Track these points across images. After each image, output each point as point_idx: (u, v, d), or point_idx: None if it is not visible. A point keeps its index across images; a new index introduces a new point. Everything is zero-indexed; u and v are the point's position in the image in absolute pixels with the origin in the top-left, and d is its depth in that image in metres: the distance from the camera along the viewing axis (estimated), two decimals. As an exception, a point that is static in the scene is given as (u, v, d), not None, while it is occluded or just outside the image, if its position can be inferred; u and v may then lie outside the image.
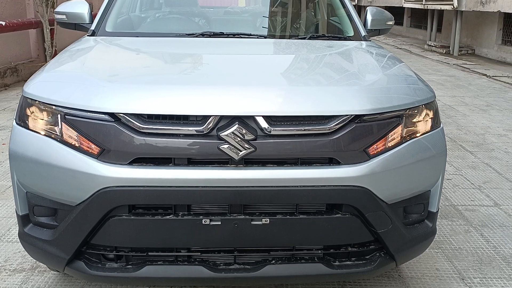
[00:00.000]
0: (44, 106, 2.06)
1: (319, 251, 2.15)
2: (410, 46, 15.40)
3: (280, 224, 2.03)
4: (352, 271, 2.14)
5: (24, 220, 2.20)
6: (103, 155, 1.98)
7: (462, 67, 11.14)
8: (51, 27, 9.01)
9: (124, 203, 1.98)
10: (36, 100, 2.09)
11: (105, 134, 1.97)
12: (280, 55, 2.75)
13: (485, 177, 4.42)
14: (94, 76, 2.16)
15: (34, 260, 2.92)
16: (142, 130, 1.95)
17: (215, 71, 2.31)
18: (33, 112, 2.10)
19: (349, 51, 2.82)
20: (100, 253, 2.11)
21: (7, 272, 2.83)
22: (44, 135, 2.06)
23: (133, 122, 1.95)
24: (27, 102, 2.13)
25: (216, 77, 2.21)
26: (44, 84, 2.17)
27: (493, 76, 9.81)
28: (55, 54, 9.64)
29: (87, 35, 3.02)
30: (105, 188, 1.96)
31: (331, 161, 2.03)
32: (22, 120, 2.14)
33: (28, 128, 2.10)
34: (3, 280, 2.76)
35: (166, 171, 1.97)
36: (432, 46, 14.28)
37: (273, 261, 2.13)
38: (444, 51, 13.62)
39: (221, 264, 2.14)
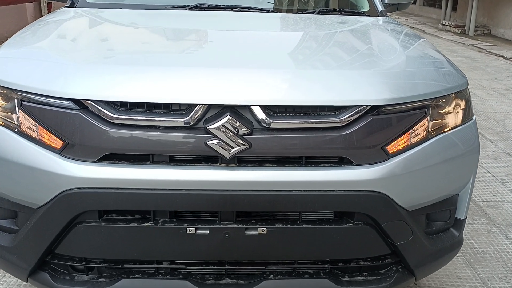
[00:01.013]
0: (0, 89, 1.72)
1: (326, 265, 1.82)
2: (423, 25, 14.82)
3: (280, 234, 1.70)
4: (364, 289, 1.81)
5: (-21, 222, 1.88)
6: (67, 150, 1.64)
7: (478, 48, 10.64)
8: (49, 1, 8.63)
9: (92, 208, 1.65)
10: (-11, 82, 1.74)
11: (69, 125, 1.62)
12: (284, 32, 2.36)
13: (508, 168, 4.05)
14: (60, 54, 1.81)
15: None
16: (113, 121, 1.61)
17: (206, 51, 1.94)
18: (-14, 96, 1.76)
19: (364, 28, 2.43)
20: (67, 264, 1.79)
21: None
22: (0, 124, 1.72)
23: (103, 111, 1.61)
24: (-21, 84, 1.79)
25: (206, 58, 1.84)
26: (1, 62, 1.82)
27: (510, 58, 9.33)
28: (54, 30, 9.30)
29: (65, 6, 2.65)
30: (70, 189, 1.63)
31: (342, 161, 1.69)
32: (-25, 106, 1.80)
33: (-19, 116, 1.77)
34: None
35: (143, 171, 1.63)
36: (447, 25, 13.72)
37: (271, 276, 1.81)
38: (459, 31, 13.07)
39: (210, 278, 1.82)
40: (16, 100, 1.68)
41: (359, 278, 1.84)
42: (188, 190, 1.63)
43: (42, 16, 8.91)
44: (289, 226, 1.70)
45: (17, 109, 1.68)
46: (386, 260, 1.83)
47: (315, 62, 1.82)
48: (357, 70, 1.76)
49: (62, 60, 1.73)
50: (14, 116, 1.70)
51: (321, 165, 1.67)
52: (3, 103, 1.72)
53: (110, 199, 1.63)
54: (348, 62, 1.84)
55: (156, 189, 1.63)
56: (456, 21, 14.26)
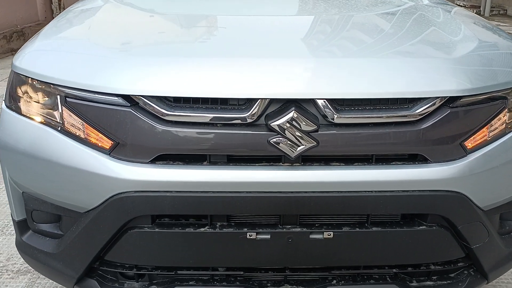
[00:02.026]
0: (40, 84, 1.58)
1: (393, 269, 1.68)
2: (437, 5, 14.48)
3: (347, 238, 1.57)
4: (434, 295, 1.68)
5: (21, 226, 1.76)
6: (117, 151, 1.51)
7: (497, 28, 10.35)
8: (59, -13, 8.44)
9: (146, 212, 1.52)
10: (29, 77, 1.61)
11: (118, 123, 1.49)
12: (335, 16, 2.14)
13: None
14: (105, 46, 1.66)
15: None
16: (167, 118, 1.47)
17: (260, 39, 1.79)
18: (26, 92, 1.62)
19: (415, 9, 2.24)
20: (117, 270, 1.67)
21: (9, 274, 2.44)
22: (41, 122, 1.59)
23: (155, 108, 1.47)
24: (18, 79, 1.65)
25: (264, 47, 1.68)
26: (39, 55, 1.68)
27: (532, 38, 9.06)
28: (64, 16, 9.09)
29: (95, -7, 2.49)
30: (121, 193, 1.50)
31: (416, 158, 1.54)
32: (13, 103, 1.66)
33: (20, 113, 1.63)
34: (5, 284, 2.37)
35: (200, 172, 1.50)
36: (461, 5, 13.42)
37: (334, 281, 1.68)
38: (475, 11, 12.76)
39: (268, 285, 1.69)
40: (58, 96, 1.54)
41: (428, 283, 1.70)
42: (249, 192, 1.50)
43: (52, 3, 8.73)
44: (357, 229, 1.56)
45: (60, 106, 1.55)
46: (458, 264, 1.69)
47: (381, 50, 1.67)
48: (430, 57, 1.60)
49: (108, 53, 1.58)
50: (56, 113, 1.57)
51: (393, 163, 1.53)
52: (44, 99, 1.58)
53: (166, 203, 1.50)
54: (416, 48, 1.68)
55: (215, 191, 1.50)
56: (471, 1, 13.93)
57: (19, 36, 8.19)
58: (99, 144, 1.52)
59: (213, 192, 1.50)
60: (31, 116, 1.60)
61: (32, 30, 8.49)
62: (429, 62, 1.57)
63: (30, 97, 1.60)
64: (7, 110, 1.67)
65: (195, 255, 1.59)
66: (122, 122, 1.49)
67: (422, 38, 1.79)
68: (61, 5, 8.72)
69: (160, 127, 1.47)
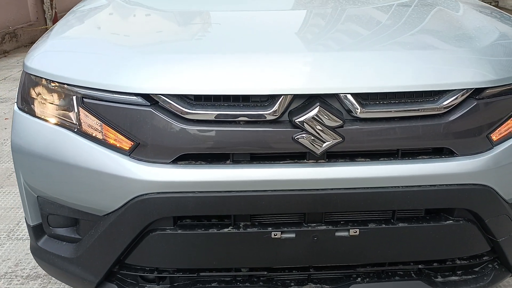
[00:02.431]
0: (54, 85, 1.54)
1: (419, 265, 1.66)
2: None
3: (373, 235, 1.54)
4: (460, 290, 1.66)
5: (36, 231, 1.72)
6: (137, 152, 1.47)
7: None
8: (51, -13, 8.34)
9: (169, 214, 1.49)
10: (43, 78, 1.56)
11: (138, 123, 1.45)
12: (358, 7, 2.11)
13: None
14: (120, 44, 1.62)
15: (50, 263, 2.47)
16: (188, 117, 1.44)
17: (280, 34, 1.74)
18: (39, 93, 1.58)
19: (440, 0, 2.19)
20: (137, 274, 1.64)
21: (19, 280, 2.39)
22: (56, 124, 1.54)
23: (175, 106, 1.43)
24: (31, 80, 1.60)
25: (282, 42, 1.65)
26: (52, 56, 1.63)
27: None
28: (56, 17, 8.99)
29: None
30: (143, 195, 1.46)
31: (441, 152, 1.52)
32: (26, 104, 1.62)
33: (34, 115, 1.59)
34: (15, 290, 2.33)
35: (223, 171, 1.46)
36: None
37: (359, 279, 1.65)
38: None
39: (292, 284, 1.66)
40: (75, 97, 1.50)
41: (454, 278, 1.68)
42: (274, 191, 1.46)
43: (43, 3, 8.62)
44: (383, 225, 1.54)
45: (76, 106, 1.51)
46: (484, 258, 1.67)
47: (403, 42, 1.64)
48: (454, 48, 1.57)
49: (126, 52, 1.54)
50: (72, 114, 1.52)
51: (419, 157, 1.50)
52: (59, 100, 1.54)
53: (189, 204, 1.46)
54: (439, 40, 1.65)
55: (239, 191, 1.46)
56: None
57: (12, 37, 8.08)
58: (119, 145, 1.48)
59: (237, 191, 1.46)
60: (46, 118, 1.56)
61: (24, 31, 8.39)
62: (453, 54, 1.54)
63: (45, 99, 1.56)
64: (20, 112, 1.63)
65: (218, 256, 1.56)
66: (142, 122, 1.45)
67: (443, 29, 1.76)
68: (53, 5, 8.61)
69: (181, 126, 1.43)
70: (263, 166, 1.47)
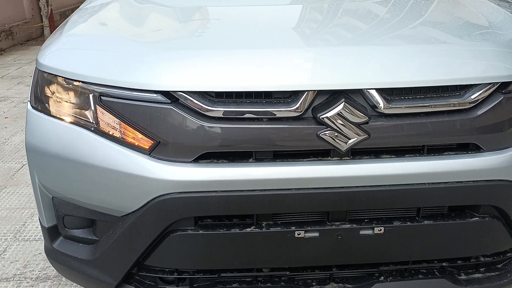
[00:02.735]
0: (70, 83, 1.50)
1: (442, 263, 1.64)
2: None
3: (398, 233, 1.51)
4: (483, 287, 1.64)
5: (51, 233, 1.68)
6: (157, 150, 1.43)
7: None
8: (46, -15, 8.24)
9: (191, 214, 1.45)
10: (58, 75, 1.52)
11: (158, 121, 1.41)
12: (379, 1, 2.07)
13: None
14: (137, 40, 1.57)
15: (59, 265, 2.44)
16: (210, 114, 1.40)
17: (301, 28, 1.70)
18: (54, 92, 1.53)
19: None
20: (156, 275, 1.60)
21: (28, 282, 2.34)
22: (73, 123, 1.50)
23: (196, 103, 1.39)
24: (45, 79, 1.56)
25: (304, 36, 1.61)
26: (67, 53, 1.59)
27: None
28: (52, 15, 8.89)
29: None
30: (164, 195, 1.43)
31: (468, 148, 1.49)
32: (40, 103, 1.57)
33: (49, 114, 1.54)
34: (25, 292, 2.29)
35: (246, 170, 1.43)
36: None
37: (382, 278, 1.63)
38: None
39: (314, 284, 1.63)
40: (92, 95, 1.46)
41: (477, 275, 1.66)
42: (299, 189, 1.43)
43: (39, 1, 8.52)
44: (408, 223, 1.51)
45: (92, 105, 1.47)
46: (507, 254, 1.65)
47: (427, 35, 1.60)
48: (479, 41, 1.54)
49: (144, 48, 1.50)
50: (88, 113, 1.48)
51: (445, 153, 1.48)
52: (76, 99, 1.50)
53: (211, 203, 1.43)
54: (463, 33, 1.62)
55: (262, 189, 1.43)
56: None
57: (7, 35, 7.99)
58: (138, 144, 1.44)
59: (260, 190, 1.43)
60: (62, 117, 1.52)
61: (20, 28, 8.30)
62: (478, 47, 1.51)
63: (60, 97, 1.52)
64: (34, 111, 1.59)
65: (240, 256, 1.53)
66: (163, 120, 1.41)
67: (467, 23, 1.73)
68: (49, 2, 8.52)
69: (202, 124, 1.40)
70: (286, 164, 1.44)
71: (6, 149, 3.91)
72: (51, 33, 8.41)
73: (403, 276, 1.63)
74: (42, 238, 2.67)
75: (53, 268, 2.41)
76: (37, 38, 8.81)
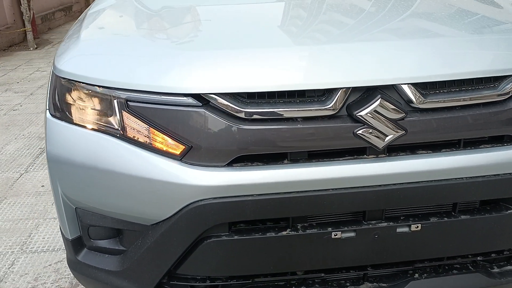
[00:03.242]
0: (93, 89, 1.44)
1: (477, 257, 1.62)
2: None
3: (435, 229, 1.49)
4: (517, 279, 1.63)
5: (75, 245, 1.62)
6: (189, 156, 1.39)
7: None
8: (28, -12, 8.07)
9: (226, 220, 1.41)
10: (80, 82, 1.46)
11: (190, 125, 1.36)
12: None
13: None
14: (160, 43, 1.52)
15: (72, 275, 2.37)
16: (243, 116, 1.36)
17: (331, 24, 1.65)
18: (77, 99, 1.47)
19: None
20: (187, 284, 1.56)
21: (41, 295, 2.28)
22: (98, 130, 1.45)
23: (230, 105, 1.35)
24: (65, 85, 1.50)
25: (335, 32, 1.57)
26: (88, 58, 1.52)
27: None
28: (34, 19, 8.69)
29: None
30: (198, 201, 1.38)
31: (503, 140, 1.47)
32: (61, 111, 1.51)
33: (71, 122, 1.48)
34: (39, 306, 2.22)
35: (282, 172, 1.39)
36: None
37: (416, 275, 1.61)
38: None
39: (348, 285, 1.60)
40: (117, 100, 1.40)
41: (509, 267, 1.65)
42: (335, 189, 1.40)
43: (20, 5, 8.32)
44: (445, 219, 1.49)
45: (117, 111, 1.41)
46: (539, 246, 1.64)
47: (459, 27, 1.58)
48: (509, 32, 1.53)
49: (171, 50, 1.44)
50: (115, 119, 1.43)
51: (481, 146, 1.46)
52: (100, 105, 1.44)
53: (247, 208, 1.38)
54: (495, 24, 1.60)
55: (299, 191, 1.39)
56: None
57: (-10, 41, 7.80)
58: (169, 150, 1.39)
59: (296, 192, 1.39)
60: (86, 125, 1.46)
61: (2, 34, 8.12)
62: (509, 37, 1.49)
63: (84, 104, 1.46)
64: (54, 120, 1.52)
65: (275, 260, 1.49)
66: (194, 124, 1.36)
67: (498, 13, 1.71)
68: (30, 6, 8.34)
69: (236, 126, 1.35)
70: (322, 164, 1.40)
71: (2, 159, 3.81)
72: (34, 37, 8.25)
73: (437, 273, 1.61)
74: (51, 249, 2.61)
75: (66, 279, 2.35)
76: (19, 43, 8.63)
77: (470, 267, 1.63)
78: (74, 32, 1.73)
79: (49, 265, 2.47)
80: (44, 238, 2.71)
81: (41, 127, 4.47)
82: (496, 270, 1.64)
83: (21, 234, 2.77)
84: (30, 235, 2.75)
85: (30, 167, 3.62)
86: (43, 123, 1.59)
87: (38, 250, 2.61)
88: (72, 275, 2.34)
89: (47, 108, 1.57)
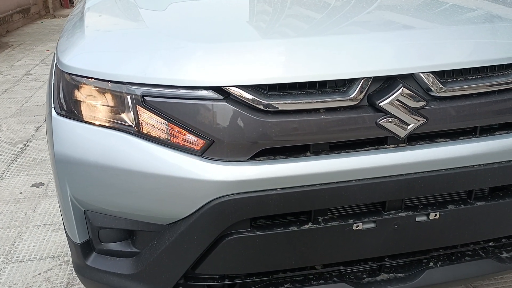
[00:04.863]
0: (105, 85, 1.37)
1: (488, 243, 1.65)
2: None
3: (453, 217, 1.51)
4: (527, 263, 1.66)
5: (84, 249, 1.54)
6: (210, 151, 1.34)
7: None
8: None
9: (249, 215, 1.37)
10: (91, 77, 1.39)
11: (210, 119, 1.32)
12: None
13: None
14: (176, 35, 1.46)
15: (65, 283, 2.27)
16: (265, 108, 1.33)
17: (349, 14, 1.62)
18: (87, 95, 1.40)
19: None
20: (204, 284, 1.51)
21: (33, 305, 2.17)
22: (112, 127, 1.38)
23: (251, 98, 1.32)
24: (73, 82, 1.42)
25: (353, 22, 1.56)
26: (98, 52, 1.45)
27: None
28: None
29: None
30: (221, 197, 1.34)
31: (516, 126, 1.51)
32: (69, 109, 1.43)
33: (81, 120, 1.41)
34: (33, 317, 2.11)
35: (306, 164, 1.36)
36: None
37: (431, 264, 1.62)
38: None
39: (365, 276, 1.60)
40: (133, 96, 1.34)
41: (519, 251, 1.69)
42: (358, 180, 1.39)
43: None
44: (462, 206, 1.50)
45: (133, 106, 1.35)
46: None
47: (475, 15, 1.59)
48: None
49: (187, 42, 1.39)
50: (127, 115, 1.37)
51: (497, 133, 1.48)
52: (113, 101, 1.37)
53: (271, 202, 1.35)
54: (504, 12, 1.63)
55: (322, 183, 1.37)
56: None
57: None
58: (188, 145, 1.35)
59: (320, 184, 1.37)
60: (97, 122, 1.39)
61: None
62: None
63: (95, 101, 1.39)
64: (61, 118, 1.44)
65: (296, 254, 1.46)
66: (215, 118, 1.32)
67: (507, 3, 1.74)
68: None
69: (258, 119, 1.32)
70: (345, 155, 1.39)
71: (-27, 166, 3.62)
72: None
73: (451, 260, 1.63)
74: (38, 257, 2.50)
75: (57, 287, 2.25)
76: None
77: (482, 254, 1.66)
78: (75, 26, 1.65)
79: (38, 274, 2.36)
80: (29, 246, 2.59)
81: (11, 132, 4.28)
82: (505, 255, 1.68)
83: (4, 243, 2.63)
84: (14, 244, 2.62)
85: (5, 174, 3.46)
86: (45, 123, 1.50)
87: (25, 259, 2.48)
88: (65, 283, 2.24)
89: (52, 106, 1.49)
